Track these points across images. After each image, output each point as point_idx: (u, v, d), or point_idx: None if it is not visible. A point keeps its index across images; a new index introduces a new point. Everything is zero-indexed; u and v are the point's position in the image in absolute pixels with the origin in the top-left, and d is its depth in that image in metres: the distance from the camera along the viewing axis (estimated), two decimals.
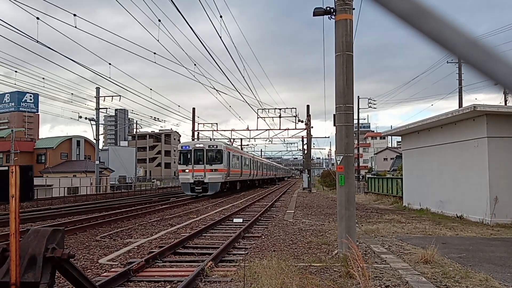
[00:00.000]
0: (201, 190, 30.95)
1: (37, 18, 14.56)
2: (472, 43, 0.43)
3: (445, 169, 19.01)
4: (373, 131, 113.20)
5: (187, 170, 31.74)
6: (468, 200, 16.83)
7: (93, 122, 42.22)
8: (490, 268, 8.12)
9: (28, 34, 13.75)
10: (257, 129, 47.38)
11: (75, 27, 15.18)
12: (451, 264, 8.43)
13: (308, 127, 46.00)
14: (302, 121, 45.88)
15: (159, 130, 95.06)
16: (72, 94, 51.85)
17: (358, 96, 48.41)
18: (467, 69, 0.46)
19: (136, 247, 10.85)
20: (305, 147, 50.57)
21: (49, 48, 14.94)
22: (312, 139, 50.23)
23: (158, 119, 64.83)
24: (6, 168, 5.02)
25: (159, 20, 17.34)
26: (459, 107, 27.98)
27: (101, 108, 42.51)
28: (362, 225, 14.20)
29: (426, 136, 20.96)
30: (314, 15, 10.10)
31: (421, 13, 0.43)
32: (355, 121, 46.90)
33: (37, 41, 14.19)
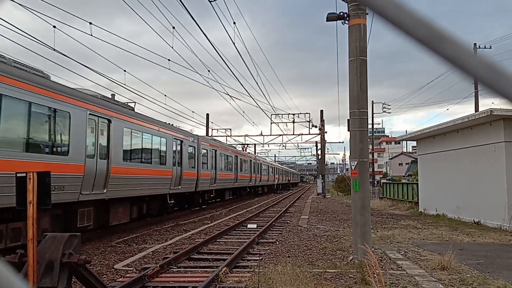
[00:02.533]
0: None
1: (54, 27, 14.78)
2: (487, 65, 0.46)
3: (461, 174, 18.77)
4: (388, 136, 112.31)
5: None
6: (485, 205, 16.58)
7: None
8: (508, 275, 7.97)
9: (45, 42, 13.97)
10: (270, 135, 47.34)
11: (91, 35, 15.38)
12: (468, 270, 8.30)
13: (322, 132, 45.85)
14: (315, 126, 45.73)
15: None
16: None
17: (372, 101, 48.12)
18: (482, 88, 0.49)
19: (151, 253, 10.91)
20: (319, 152, 50.39)
21: (65, 56, 15.17)
22: (326, 144, 50.04)
23: (172, 125, 65.18)
24: (24, 174, 5.10)
25: (174, 28, 17.51)
26: (475, 111, 27.63)
27: None
28: (377, 231, 14.07)
29: (442, 140, 20.73)
30: (327, 20, 10.10)
31: (439, 39, 0.46)
32: (370, 126, 46.63)
33: (54, 49, 14.41)
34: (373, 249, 9.54)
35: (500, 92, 0.46)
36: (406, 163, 68.55)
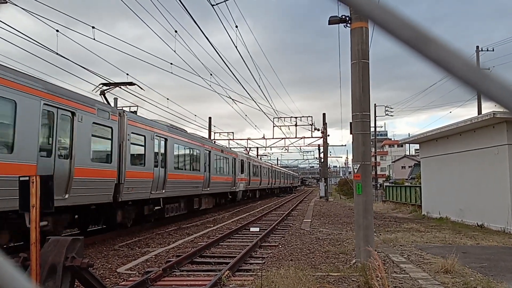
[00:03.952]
0: None
1: (57, 31, 14.83)
2: (470, 66, 0.48)
3: (464, 177, 18.72)
4: (390, 139, 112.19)
5: None
6: (489, 208, 16.53)
7: None
8: None
9: (48, 47, 14.03)
10: (273, 138, 47.38)
11: (94, 39, 15.44)
12: (472, 274, 8.27)
13: (324, 135, 45.82)
14: (318, 130, 45.72)
15: None
16: None
17: (375, 104, 48.04)
18: (468, 90, 0.51)
19: (153, 256, 10.90)
20: (322, 155, 50.35)
21: (68, 60, 15.22)
22: (329, 147, 50.01)
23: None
24: (27, 178, 5.12)
25: (176, 32, 17.55)
26: (478, 114, 27.57)
27: None
28: (380, 234, 14.04)
29: (445, 143, 20.69)
30: (329, 24, 10.12)
31: (424, 40, 0.48)
32: (372, 129, 46.49)
33: (57, 53, 14.47)
34: (376, 252, 9.52)
35: (484, 92, 0.47)
36: (409, 166, 68.45)
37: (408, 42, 0.48)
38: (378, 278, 6.76)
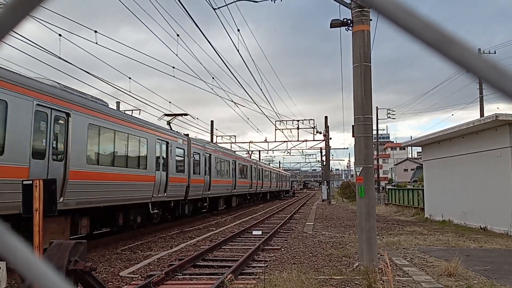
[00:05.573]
0: None
1: (59, 35, 14.89)
2: (494, 68, 0.49)
3: (467, 180, 18.68)
4: (393, 141, 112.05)
5: None
6: (491, 211, 16.48)
7: None
8: None
9: (51, 51, 14.08)
10: (275, 141, 47.33)
11: (96, 43, 15.49)
12: (475, 277, 8.24)
13: (327, 138, 45.77)
14: (320, 133, 45.64)
15: None
16: None
17: (377, 107, 48.03)
18: (488, 86, 0.52)
19: (156, 260, 10.90)
20: (324, 158, 50.30)
21: (71, 64, 15.28)
22: (331, 150, 49.98)
23: (177, 132, 64.89)
24: (30, 181, 5.13)
25: (178, 36, 17.59)
26: (481, 116, 27.53)
27: None
28: (383, 237, 14.01)
29: (447, 146, 20.66)
30: (331, 27, 10.14)
31: (447, 41, 0.49)
32: (374, 132, 46.32)
33: (60, 58, 14.52)
34: (378, 255, 9.50)
35: (506, 92, 0.48)
36: (411, 169, 68.29)
37: (432, 44, 0.49)
38: (381, 281, 6.75)
